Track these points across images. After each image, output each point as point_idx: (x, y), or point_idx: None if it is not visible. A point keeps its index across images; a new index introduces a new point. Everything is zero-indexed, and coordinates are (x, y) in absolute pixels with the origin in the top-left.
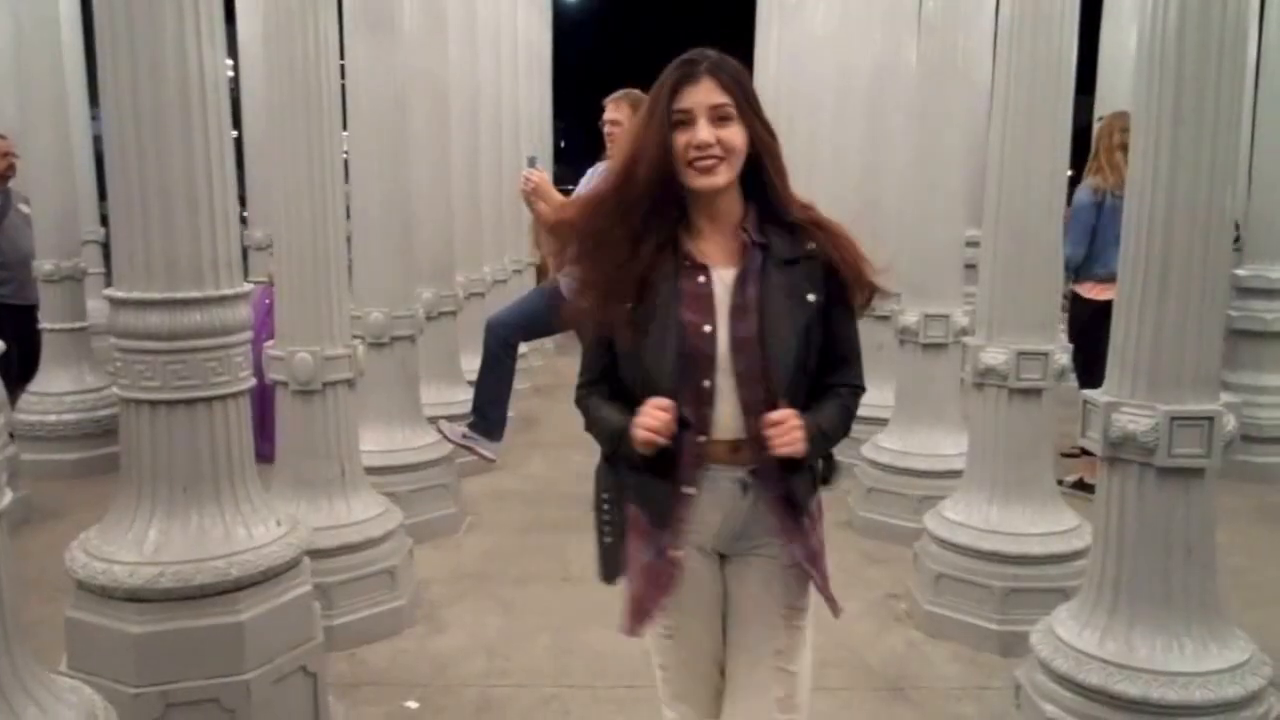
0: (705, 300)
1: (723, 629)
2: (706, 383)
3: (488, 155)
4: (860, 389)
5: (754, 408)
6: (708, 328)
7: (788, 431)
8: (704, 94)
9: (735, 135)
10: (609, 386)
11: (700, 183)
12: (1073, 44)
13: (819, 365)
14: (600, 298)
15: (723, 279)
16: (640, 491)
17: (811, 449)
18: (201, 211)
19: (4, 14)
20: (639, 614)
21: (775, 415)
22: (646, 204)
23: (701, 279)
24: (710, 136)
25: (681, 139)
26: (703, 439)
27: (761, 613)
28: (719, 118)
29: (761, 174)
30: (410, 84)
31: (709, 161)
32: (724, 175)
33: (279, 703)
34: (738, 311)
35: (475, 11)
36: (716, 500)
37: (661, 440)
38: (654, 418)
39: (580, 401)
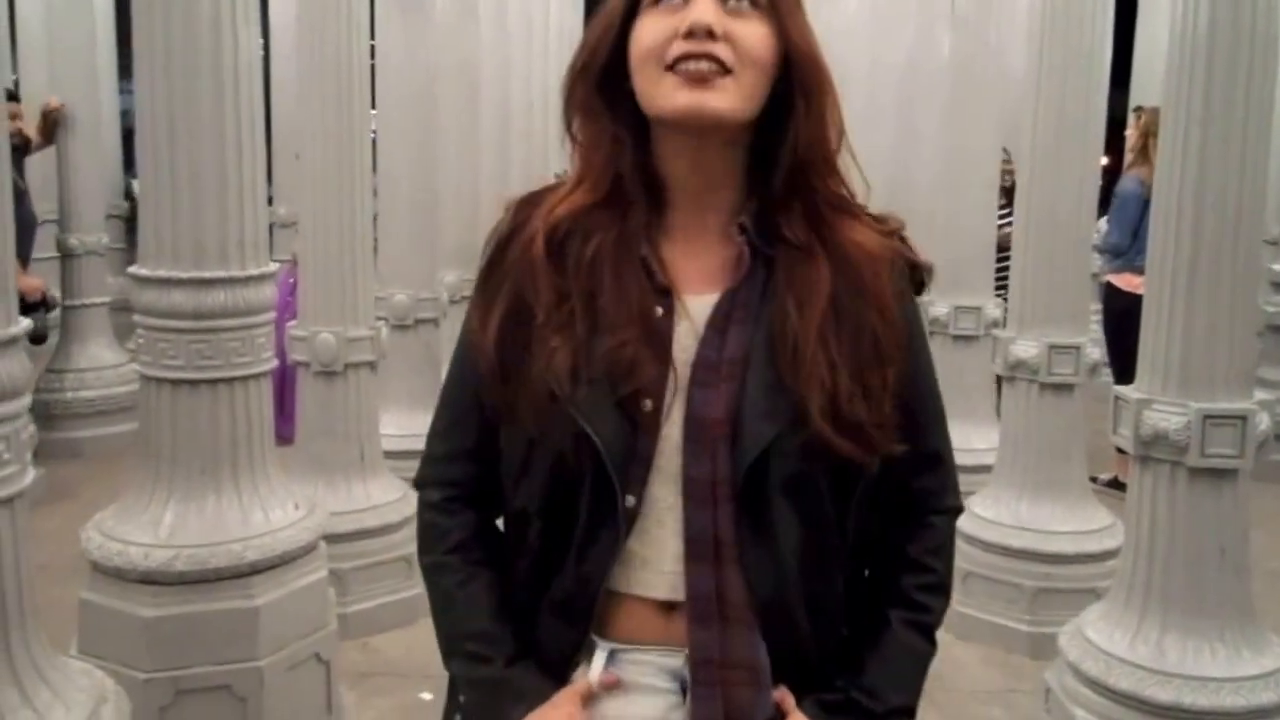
0: (658, 349)
1: None
2: (630, 498)
3: (518, 141)
4: (955, 511)
5: (705, 548)
6: (648, 402)
7: None
8: None
9: (757, 36)
10: (479, 470)
11: (682, 100)
12: (1107, 36)
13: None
14: (487, 318)
15: (692, 313)
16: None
17: None
18: (230, 192)
19: None
20: None
21: None
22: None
23: (659, 311)
24: (714, 19)
25: (661, 25)
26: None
27: None
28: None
29: (789, 131)
30: (440, 67)
31: (704, 65)
32: (725, 97)
33: (291, 691)
34: (706, 371)
35: None
36: (637, 709)
37: None
38: None
39: (430, 521)
